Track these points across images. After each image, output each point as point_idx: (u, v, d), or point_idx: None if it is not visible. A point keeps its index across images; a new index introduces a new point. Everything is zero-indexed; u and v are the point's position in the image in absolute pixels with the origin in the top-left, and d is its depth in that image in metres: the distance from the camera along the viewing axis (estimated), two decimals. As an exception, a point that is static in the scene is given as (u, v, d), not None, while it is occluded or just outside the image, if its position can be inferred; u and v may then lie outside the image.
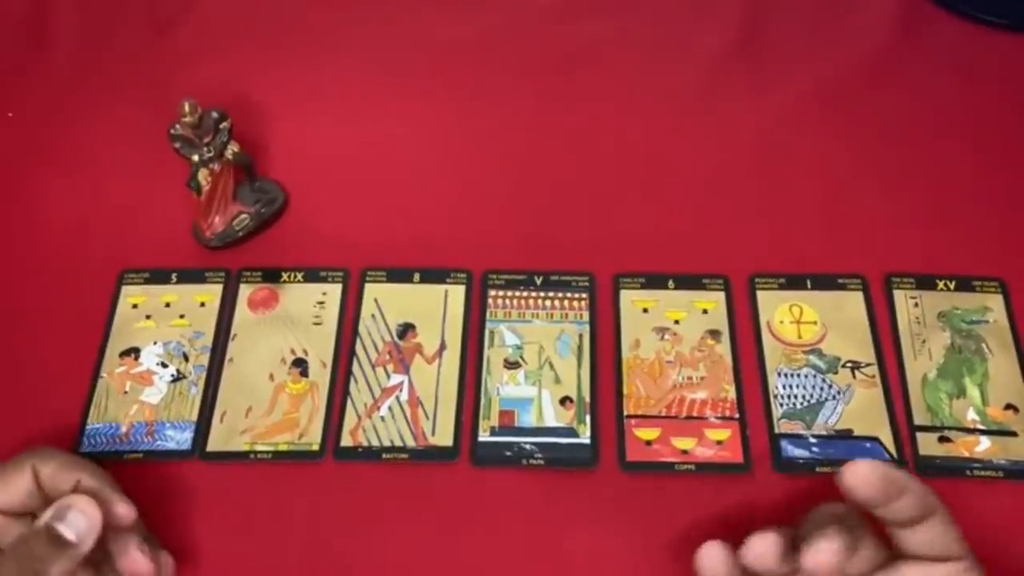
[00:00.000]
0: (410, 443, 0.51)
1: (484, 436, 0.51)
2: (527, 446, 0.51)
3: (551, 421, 0.52)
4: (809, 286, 0.56)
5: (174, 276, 0.57)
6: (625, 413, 0.52)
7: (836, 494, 0.49)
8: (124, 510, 0.43)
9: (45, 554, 0.40)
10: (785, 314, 0.55)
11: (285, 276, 0.57)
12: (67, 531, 0.40)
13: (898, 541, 0.42)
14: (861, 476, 0.39)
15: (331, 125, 0.64)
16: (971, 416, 0.51)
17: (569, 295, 0.56)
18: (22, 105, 0.66)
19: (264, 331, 0.55)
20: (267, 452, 0.51)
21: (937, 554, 0.41)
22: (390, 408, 0.52)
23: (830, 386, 0.52)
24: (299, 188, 0.61)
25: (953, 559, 0.41)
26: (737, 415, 0.51)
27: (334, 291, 0.56)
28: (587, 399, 0.52)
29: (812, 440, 0.50)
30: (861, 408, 0.51)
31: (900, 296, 0.55)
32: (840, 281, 0.56)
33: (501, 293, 0.56)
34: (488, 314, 0.55)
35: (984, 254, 0.57)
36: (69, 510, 0.40)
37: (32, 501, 0.43)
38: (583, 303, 0.56)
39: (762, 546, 0.40)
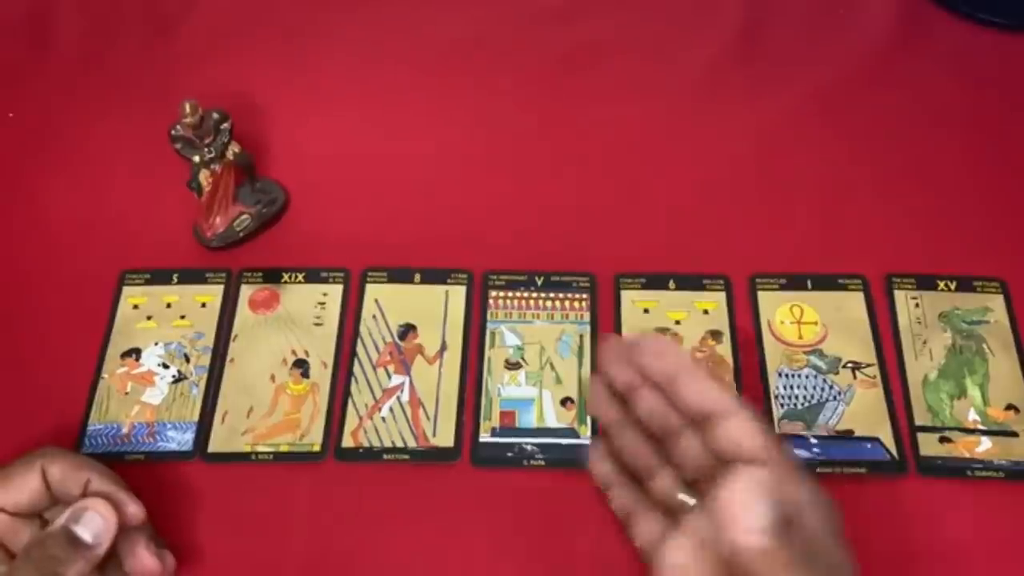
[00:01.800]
0: (411, 444, 0.51)
1: (485, 437, 0.51)
2: (528, 447, 0.51)
3: (552, 422, 0.52)
4: (810, 286, 0.56)
5: (175, 277, 0.57)
6: (626, 413, 0.52)
7: (838, 497, 0.49)
8: (134, 510, 0.43)
9: (62, 555, 0.40)
10: (786, 314, 0.55)
11: (286, 277, 0.57)
12: (84, 533, 0.41)
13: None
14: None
15: (332, 125, 0.64)
16: (972, 416, 0.51)
17: (570, 295, 0.56)
18: (22, 105, 0.66)
19: (265, 332, 0.55)
20: (268, 453, 0.51)
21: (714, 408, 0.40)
22: (391, 409, 0.52)
23: (831, 386, 0.52)
24: (300, 188, 0.61)
25: (732, 410, 0.40)
26: (738, 415, 0.51)
27: (335, 292, 0.56)
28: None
29: (813, 440, 0.50)
30: (862, 408, 0.51)
31: (901, 296, 0.55)
32: (841, 281, 0.56)
33: (502, 294, 0.56)
34: (489, 315, 0.55)
35: (984, 254, 0.57)
36: (85, 512, 0.41)
37: (41, 501, 0.43)
38: (584, 303, 0.56)
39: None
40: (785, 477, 0.38)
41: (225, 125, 0.55)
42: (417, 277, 0.57)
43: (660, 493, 0.43)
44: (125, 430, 0.52)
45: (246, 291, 0.56)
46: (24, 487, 0.43)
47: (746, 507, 0.36)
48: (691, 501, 0.41)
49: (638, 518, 0.43)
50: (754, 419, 0.39)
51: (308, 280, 0.57)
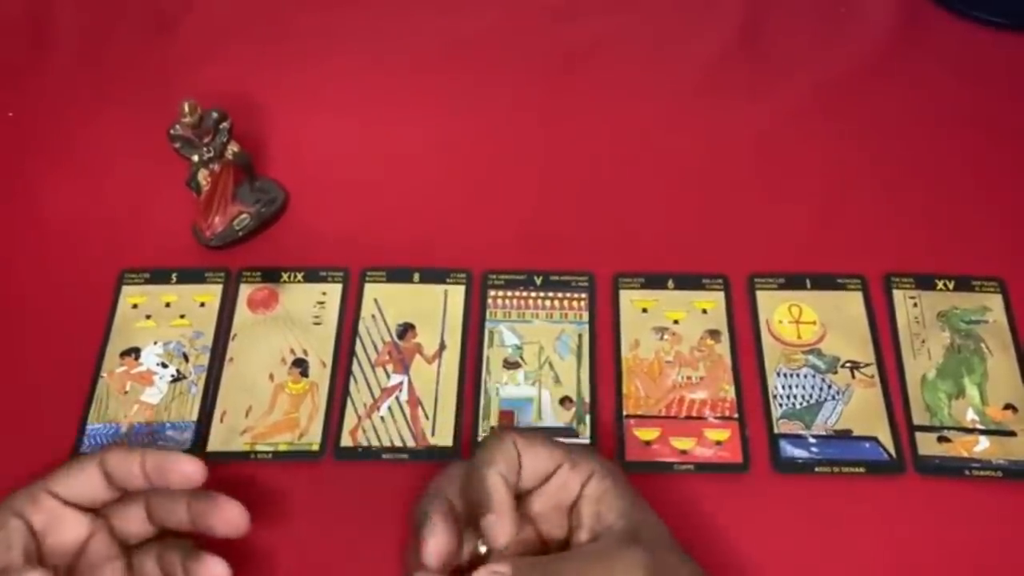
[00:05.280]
0: (410, 443, 0.51)
1: (484, 436, 0.51)
2: (527, 446, 0.51)
3: (551, 421, 0.52)
4: (808, 286, 0.56)
5: (174, 276, 0.57)
6: (624, 413, 0.52)
7: (837, 496, 0.49)
8: (192, 467, 0.42)
9: None
10: (784, 314, 0.55)
11: (285, 276, 0.57)
12: None
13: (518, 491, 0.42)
14: (507, 530, 0.40)
15: (331, 125, 0.64)
16: (970, 416, 0.51)
17: (569, 295, 0.56)
18: (22, 105, 0.66)
19: (264, 331, 0.55)
20: (267, 452, 0.51)
21: (542, 475, 0.42)
22: (390, 408, 0.52)
23: (829, 386, 0.52)
24: (299, 188, 0.61)
25: (555, 469, 0.42)
26: (736, 415, 0.51)
27: (334, 291, 0.56)
28: (587, 399, 0.52)
29: (811, 440, 0.50)
30: (860, 408, 0.51)
31: (899, 296, 0.55)
32: (839, 281, 0.56)
33: (501, 293, 0.56)
34: (488, 314, 0.55)
35: (984, 254, 0.57)
36: None
37: (99, 492, 0.43)
38: (583, 303, 0.56)
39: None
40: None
41: (224, 124, 0.55)
42: (416, 276, 0.57)
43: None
44: (124, 429, 0.52)
45: (245, 290, 0.56)
46: (86, 479, 0.43)
47: None
48: (483, 549, 0.43)
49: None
50: (538, 441, 0.42)
51: (307, 279, 0.57)
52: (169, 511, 0.44)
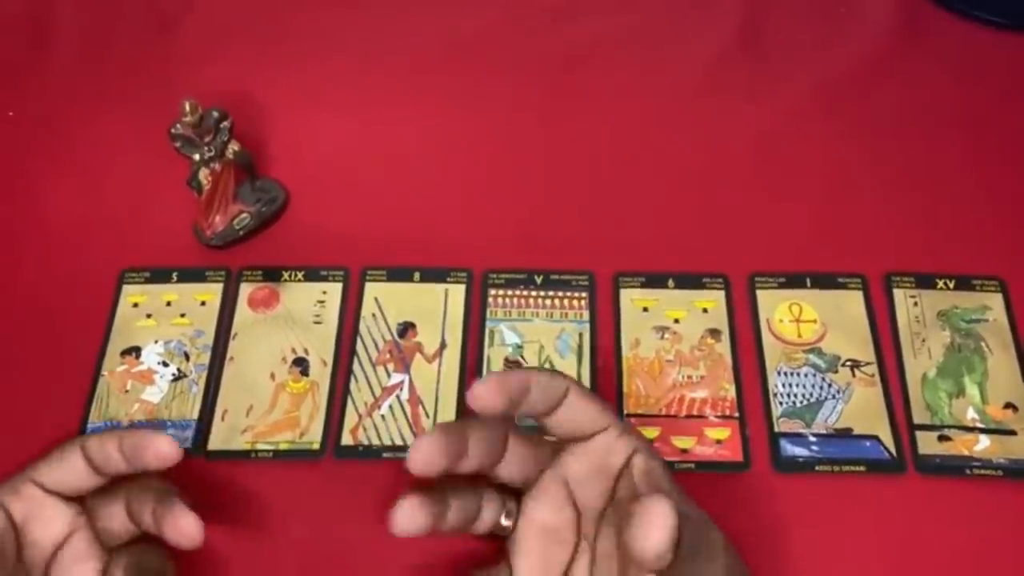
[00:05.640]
0: (410, 442, 0.51)
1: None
2: (527, 445, 0.51)
3: (551, 420, 0.52)
4: (809, 285, 0.56)
5: (175, 275, 0.57)
6: (625, 412, 0.52)
7: (837, 495, 0.49)
8: (168, 447, 0.42)
9: None
10: (785, 313, 0.55)
11: (286, 275, 0.57)
12: None
13: (549, 431, 0.43)
14: (485, 395, 0.39)
15: (332, 124, 0.64)
16: (970, 415, 0.51)
17: (569, 294, 0.56)
18: (22, 105, 0.66)
19: (265, 330, 0.55)
20: (268, 451, 0.51)
21: (586, 431, 0.42)
22: (390, 407, 0.52)
23: (830, 385, 0.52)
24: (300, 187, 0.61)
25: (601, 430, 0.42)
26: (737, 414, 0.51)
27: (334, 290, 0.56)
28: (587, 398, 0.52)
29: (812, 439, 0.51)
30: (861, 407, 0.52)
31: (900, 295, 0.55)
32: (840, 280, 0.56)
33: (501, 292, 0.56)
34: (488, 313, 0.55)
35: (984, 253, 0.57)
36: None
37: (83, 480, 0.43)
38: (583, 302, 0.56)
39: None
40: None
41: (225, 124, 0.55)
42: (416, 276, 0.57)
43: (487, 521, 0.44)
44: (125, 428, 0.52)
45: (246, 289, 0.57)
46: (69, 466, 0.43)
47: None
48: (505, 522, 0.44)
49: (483, 510, 0.44)
50: (588, 394, 0.42)
51: (308, 279, 0.57)
52: (142, 512, 0.43)
